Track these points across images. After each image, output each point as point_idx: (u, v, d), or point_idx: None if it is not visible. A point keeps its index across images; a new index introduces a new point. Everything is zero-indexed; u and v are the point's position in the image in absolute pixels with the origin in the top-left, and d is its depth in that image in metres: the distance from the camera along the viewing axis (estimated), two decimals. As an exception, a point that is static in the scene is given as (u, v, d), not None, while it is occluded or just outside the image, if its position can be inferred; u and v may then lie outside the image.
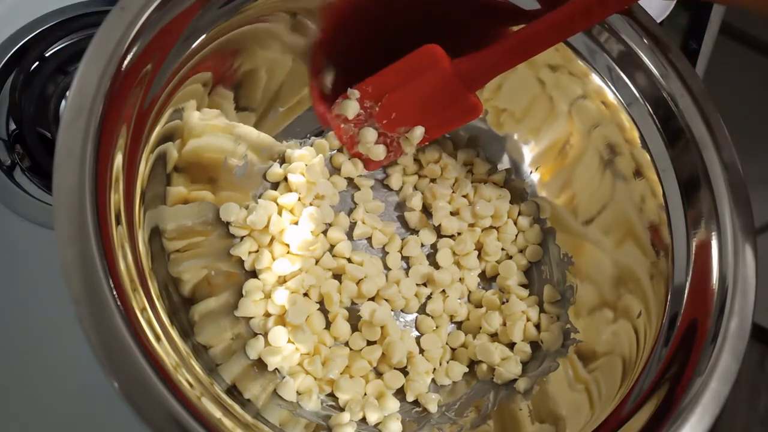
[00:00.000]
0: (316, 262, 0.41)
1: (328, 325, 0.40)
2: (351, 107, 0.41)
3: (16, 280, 0.40)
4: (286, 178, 0.43)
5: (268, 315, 0.39)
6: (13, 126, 0.44)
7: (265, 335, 0.38)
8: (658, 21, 0.52)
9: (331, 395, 0.39)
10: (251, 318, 0.39)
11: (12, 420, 0.37)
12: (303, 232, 0.40)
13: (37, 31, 0.46)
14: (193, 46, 0.33)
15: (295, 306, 0.38)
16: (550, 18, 0.35)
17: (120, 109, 0.28)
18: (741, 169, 0.35)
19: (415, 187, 0.46)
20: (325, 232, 0.43)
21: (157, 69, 0.31)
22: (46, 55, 0.46)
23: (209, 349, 0.35)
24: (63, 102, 0.45)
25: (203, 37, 0.33)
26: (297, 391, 0.38)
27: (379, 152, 0.43)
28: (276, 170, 0.43)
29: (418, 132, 0.42)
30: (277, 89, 0.42)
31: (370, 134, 0.42)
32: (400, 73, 0.40)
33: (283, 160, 0.44)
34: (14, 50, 0.46)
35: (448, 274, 0.43)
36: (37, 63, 0.46)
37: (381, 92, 0.41)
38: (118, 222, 0.28)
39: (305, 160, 0.43)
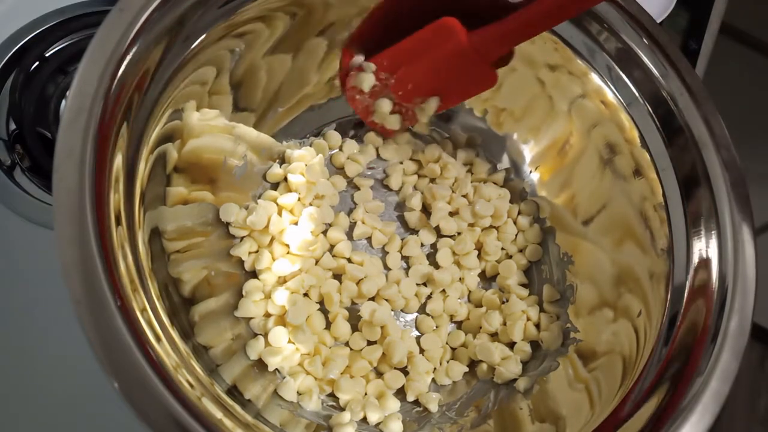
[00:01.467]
0: (316, 263, 0.41)
1: (328, 325, 0.40)
2: (366, 80, 0.41)
3: (16, 280, 0.40)
4: (286, 179, 0.43)
5: (268, 315, 0.39)
6: (13, 126, 0.44)
7: (266, 335, 0.38)
8: (658, 21, 0.52)
9: (332, 395, 0.39)
10: (251, 318, 0.39)
11: (12, 420, 0.37)
12: (303, 232, 0.40)
13: (37, 31, 0.46)
14: (192, 46, 0.33)
15: (295, 306, 0.38)
16: None
17: (119, 110, 0.28)
18: (740, 168, 0.35)
19: (415, 187, 0.46)
20: (325, 232, 0.43)
21: (157, 69, 0.31)
22: (46, 55, 0.46)
23: (209, 349, 0.35)
24: (63, 102, 0.45)
25: (202, 37, 0.33)
26: (297, 392, 0.38)
27: (394, 122, 0.43)
28: (276, 171, 0.43)
29: (434, 102, 0.42)
30: (276, 89, 0.42)
31: (385, 105, 0.43)
32: (416, 46, 0.40)
33: (282, 160, 0.44)
34: (14, 50, 0.46)
35: (448, 274, 0.43)
36: (37, 63, 0.46)
37: (397, 65, 0.41)
38: (118, 222, 0.28)
39: (305, 160, 0.43)
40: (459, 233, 0.45)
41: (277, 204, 0.41)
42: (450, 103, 0.43)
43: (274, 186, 0.43)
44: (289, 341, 0.38)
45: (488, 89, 0.42)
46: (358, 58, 0.41)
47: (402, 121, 0.44)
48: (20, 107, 0.44)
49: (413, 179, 0.46)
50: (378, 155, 0.47)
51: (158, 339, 0.28)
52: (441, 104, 0.42)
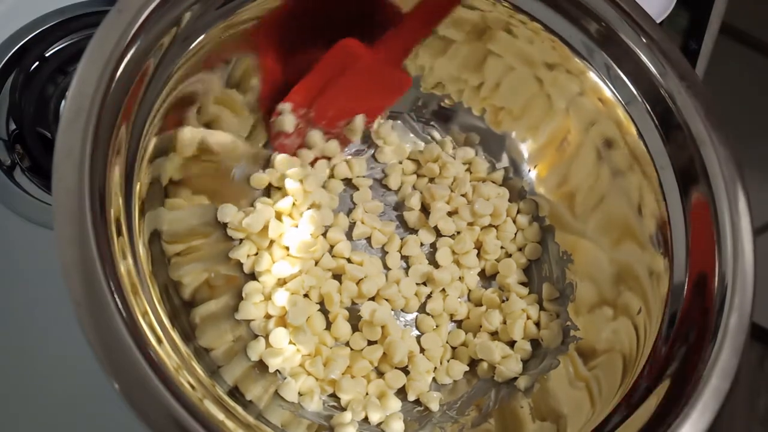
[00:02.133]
0: (316, 263, 0.41)
1: (328, 326, 0.40)
2: (287, 120, 0.41)
3: (16, 280, 0.40)
4: (274, 186, 0.42)
5: (268, 317, 0.39)
6: (13, 126, 0.44)
7: (266, 337, 0.38)
8: (658, 21, 0.52)
9: (333, 396, 0.39)
10: (252, 320, 0.39)
11: (12, 420, 0.37)
12: (302, 234, 0.40)
13: (37, 31, 0.46)
14: (191, 47, 0.33)
15: (295, 307, 0.38)
16: None
17: (119, 111, 0.28)
18: (739, 165, 0.35)
19: (414, 187, 0.46)
20: (324, 234, 0.43)
21: (156, 70, 0.31)
22: (46, 55, 0.46)
23: (210, 351, 0.35)
24: (63, 102, 0.45)
25: (201, 37, 0.33)
26: (298, 392, 0.38)
27: (333, 148, 0.44)
28: (260, 176, 0.42)
29: (359, 120, 0.43)
30: (275, 88, 0.41)
31: (317, 136, 0.43)
32: (323, 74, 0.40)
33: (267, 164, 0.43)
34: (14, 50, 0.46)
35: (448, 273, 0.43)
36: (37, 63, 0.46)
37: (311, 97, 0.41)
38: (118, 223, 0.28)
39: (285, 165, 0.42)
40: (458, 232, 0.45)
41: (274, 208, 0.41)
42: (374, 115, 0.44)
43: (267, 192, 0.43)
44: (290, 342, 0.38)
45: (405, 91, 0.43)
46: (280, 107, 0.41)
47: (339, 144, 0.44)
48: (20, 107, 0.44)
49: (412, 179, 0.46)
50: (375, 159, 0.47)
51: (159, 340, 0.28)
52: (367, 119, 0.43)
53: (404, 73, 0.40)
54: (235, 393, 0.34)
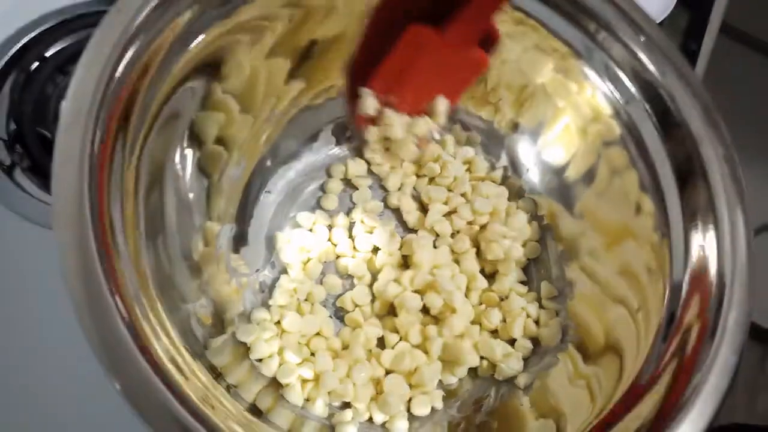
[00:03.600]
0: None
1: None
2: (370, 104, 0.41)
3: (16, 280, 0.40)
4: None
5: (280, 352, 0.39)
6: (13, 126, 0.44)
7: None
8: (658, 21, 0.52)
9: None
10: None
11: (12, 420, 0.37)
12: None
13: (37, 31, 0.46)
14: (190, 47, 0.33)
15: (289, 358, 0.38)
16: None
17: (118, 112, 0.28)
18: (738, 165, 0.35)
19: (415, 188, 0.46)
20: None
21: (155, 70, 0.31)
22: (46, 55, 0.46)
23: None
24: (63, 102, 0.45)
25: (200, 37, 0.33)
26: (304, 398, 0.38)
27: (412, 152, 0.43)
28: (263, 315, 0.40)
29: (441, 103, 0.42)
30: (273, 91, 0.41)
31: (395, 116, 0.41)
32: (397, 62, 0.40)
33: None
34: (14, 50, 0.46)
35: (448, 271, 0.43)
36: (37, 63, 0.46)
37: (389, 84, 0.41)
38: (119, 226, 0.28)
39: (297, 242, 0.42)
40: (458, 231, 0.45)
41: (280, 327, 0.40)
42: (455, 97, 0.42)
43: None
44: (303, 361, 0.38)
45: (484, 71, 0.41)
46: (362, 91, 0.41)
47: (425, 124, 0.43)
48: (20, 107, 0.44)
49: (412, 180, 0.46)
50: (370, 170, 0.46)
51: (158, 338, 0.28)
52: (448, 101, 0.42)
53: (479, 50, 0.38)
54: (237, 393, 0.34)
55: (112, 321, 0.25)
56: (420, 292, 0.42)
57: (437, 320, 0.41)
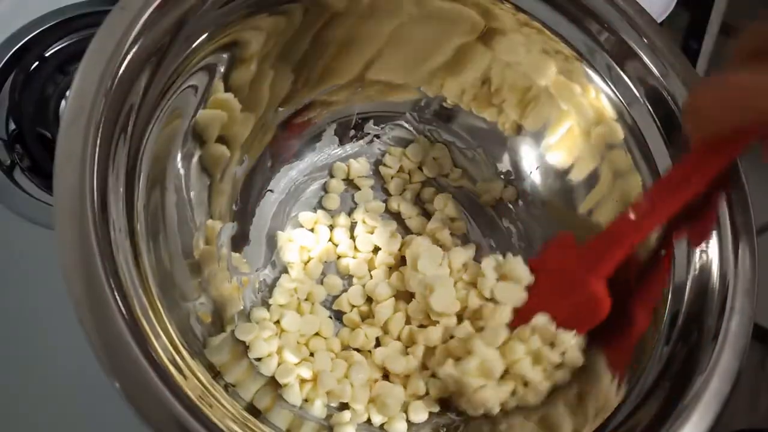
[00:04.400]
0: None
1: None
2: None
3: (16, 280, 0.40)
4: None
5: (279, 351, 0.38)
6: (13, 126, 0.44)
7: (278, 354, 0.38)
8: (658, 21, 0.52)
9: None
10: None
11: (12, 420, 0.37)
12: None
13: (37, 31, 0.46)
14: (194, 45, 0.33)
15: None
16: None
17: (121, 110, 0.28)
18: (740, 166, 0.35)
19: (419, 197, 0.46)
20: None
21: (158, 69, 0.30)
22: (46, 55, 0.46)
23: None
24: (63, 102, 0.45)
25: (204, 36, 0.33)
26: (304, 399, 0.37)
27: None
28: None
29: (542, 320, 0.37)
30: (274, 90, 0.41)
31: None
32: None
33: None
34: (14, 50, 0.46)
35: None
36: (37, 63, 0.46)
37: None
38: (120, 226, 0.28)
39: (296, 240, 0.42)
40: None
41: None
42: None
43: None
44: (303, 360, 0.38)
45: (600, 318, 0.36)
46: None
47: None
48: (20, 107, 0.44)
49: (415, 186, 0.46)
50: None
51: (158, 338, 0.28)
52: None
53: (602, 290, 0.34)
54: (236, 393, 0.34)
55: (113, 320, 0.24)
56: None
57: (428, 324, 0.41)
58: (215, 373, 0.34)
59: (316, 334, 0.40)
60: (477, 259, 0.43)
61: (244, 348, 0.38)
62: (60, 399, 0.38)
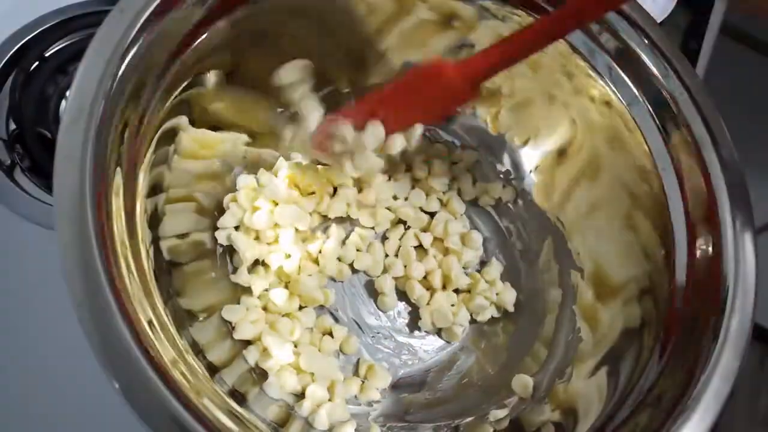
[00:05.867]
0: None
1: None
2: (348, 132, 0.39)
3: (16, 280, 0.40)
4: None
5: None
6: (13, 126, 0.44)
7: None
8: (658, 21, 0.52)
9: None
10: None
11: (12, 420, 0.37)
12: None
13: (37, 31, 0.46)
14: (193, 46, 0.33)
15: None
16: (545, 19, 0.34)
17: (121, 110, 0.28)
18: (740, 168, 0.35)
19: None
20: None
21: (158, 69, 0.31)
22: (46, 55, 0.46)
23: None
24: (63, 102, 0.45)
25: (203, 37, 0.33)
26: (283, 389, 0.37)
27: (397, 144, 0.40)
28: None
29: (419, 129, 0.39)
30: (276, 90, 0.42)
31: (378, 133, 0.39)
32: (401, 94, 0.38)
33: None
34: (14, 50, 0.45)
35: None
36: (37, 63, 0.45)
37: (375, 110, 0.39)
38: (120, 226, 0.28)
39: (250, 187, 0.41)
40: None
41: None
42: (434, 122, 0.43)
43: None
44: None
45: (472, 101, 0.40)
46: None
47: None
48: (20, 107, 0.44)
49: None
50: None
51: (158, 337, 0.28)
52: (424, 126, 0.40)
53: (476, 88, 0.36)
54: (235, 393, 0.34)
55: (113, 320, 0.24)
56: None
57: None
58: (213, 372, 0.34)
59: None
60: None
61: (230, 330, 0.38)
62: (60, 399, 0.38)
